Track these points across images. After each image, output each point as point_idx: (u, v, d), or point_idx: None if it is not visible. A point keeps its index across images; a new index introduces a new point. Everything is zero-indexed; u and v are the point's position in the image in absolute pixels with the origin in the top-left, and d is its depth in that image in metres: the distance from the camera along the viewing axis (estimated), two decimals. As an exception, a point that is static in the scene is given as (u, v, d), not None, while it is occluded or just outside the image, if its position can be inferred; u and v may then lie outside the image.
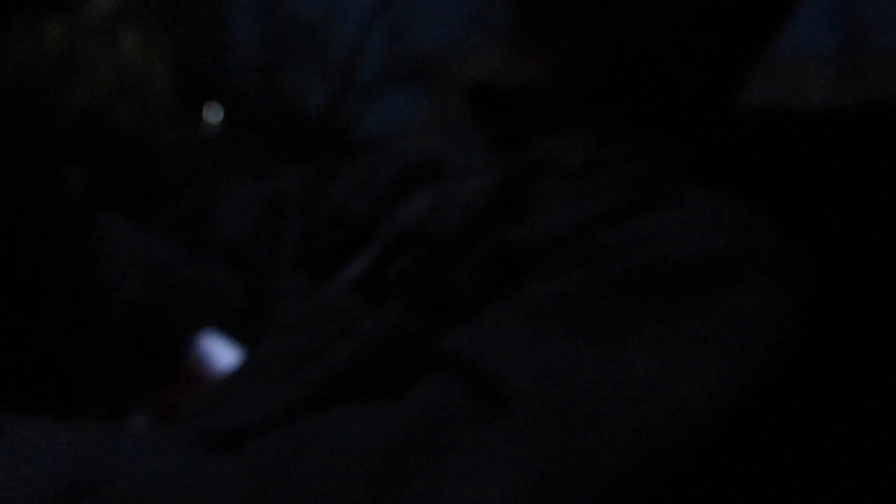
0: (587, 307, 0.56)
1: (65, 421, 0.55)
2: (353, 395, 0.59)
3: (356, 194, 0.84)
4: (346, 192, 0.85)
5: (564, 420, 0.49)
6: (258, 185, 0.89)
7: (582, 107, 0.74)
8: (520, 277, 0.61)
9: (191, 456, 0.50)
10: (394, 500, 0.47)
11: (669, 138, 0.71)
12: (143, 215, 0.87)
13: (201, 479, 0.48)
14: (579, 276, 0.58)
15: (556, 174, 0.70)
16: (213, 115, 7.65)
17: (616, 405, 0.50)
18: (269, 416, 0.59)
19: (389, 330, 0.66)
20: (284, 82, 9.44)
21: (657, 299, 0.55)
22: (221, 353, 0.77)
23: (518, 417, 0.49)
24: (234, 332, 0.78)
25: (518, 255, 0.63)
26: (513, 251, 0.64)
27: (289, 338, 0.69)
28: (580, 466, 0.48)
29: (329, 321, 0.69)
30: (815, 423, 0.55)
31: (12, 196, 0.79)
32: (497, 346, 0.55)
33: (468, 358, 0.54)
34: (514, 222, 0.67)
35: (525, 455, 0.48)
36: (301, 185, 0.89)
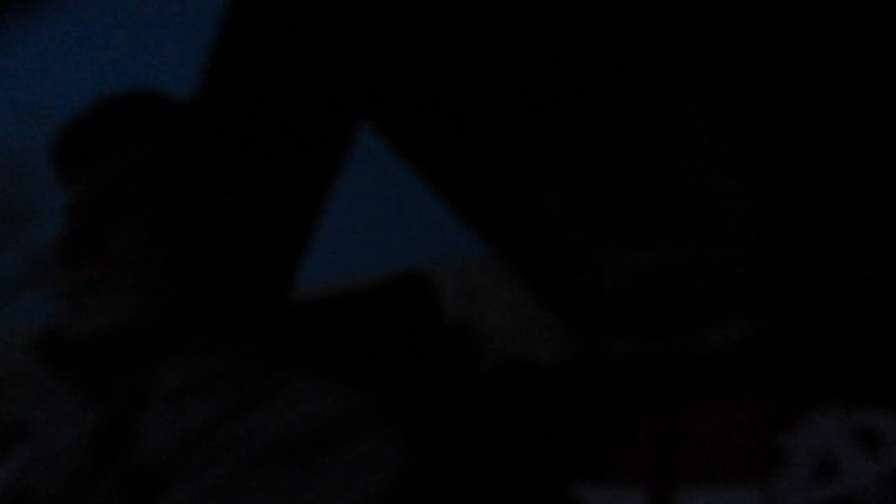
0: (225, 492, 0.66)
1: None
2: None
3: None
4: None
5: None
6: None
7: (163, 338, 0.80)
8: (156, 489, 0.68)
9: None
10: None
11: (256, 347, 0.82)
12: None
13: None
14: (213, 469, 0.67)
15: (157, 400, 0.77)
16: None
17: None
18: None
19: None
20: None
21: (281, 470, 0.67)
22: None
23: None
24: None
25: (149, 471, 0.70)
26: (143, 469, 0.70)
27: None
28: None
29: None
30: None
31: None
32: None
33: None
34: (130, 448, 0.73)
35: None
36: None
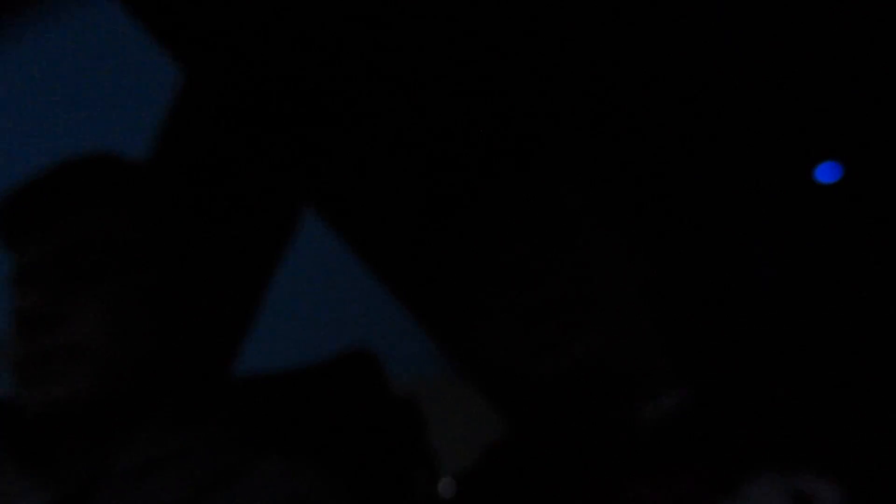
0: None
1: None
2: None
3: None
4: None
5: None
6: None
7: (122, 413, 0.77)
8: None
9: None
10: None
11: (212, 424, 0.81)
12: None
13: None
14: None
15: (115, 479, 0.74)
16: None
17: None
18: None
19: None
20: None
21: None
22: None
23: None
24: None
25: None
26: None
27: None
28: None
29: None
30: None
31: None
32: None
33: None
34: None
35: None
36: None
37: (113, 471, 0.76)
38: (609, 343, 0.69)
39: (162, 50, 1.06)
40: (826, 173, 1.38)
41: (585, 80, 1.04)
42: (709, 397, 0.69)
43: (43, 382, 0.75)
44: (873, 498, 0.56)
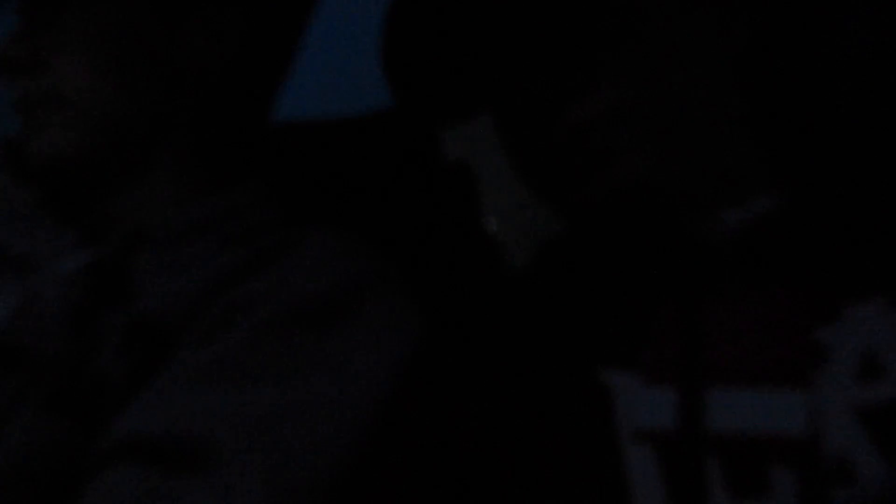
0: (246, 357, 0.62)
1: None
2: None
3: None
4: None
5: (264, 455, 0.58)
6: None
7: (135, 166, 0.72)
8: (169, 347, 0.65)
9: None
10: None
11: (255, 185, 0.75)
12: None
13: None
14: (229, 332, 0.64)
15: (150, 244, 0.71)
16: None
17: (299, 431, 0.60)
18: None
19: (29, 439, 0.64)
20: None
21: (304, 335, 0.64)
22: None
23: (227, 464, 0.57)
24: None
25: (158, 328, 0.67)
26: (151, 326, 0.67)
27: None
28: (289, 485, 0.57)
29: None
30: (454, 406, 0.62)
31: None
32: (178, 412, 0.59)
33: (149, 435, 0.58)
34: (129, 299, 0.68)
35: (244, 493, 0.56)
36: None
37: (153, 233, 0.72)
38: (685, 137, 0.56)
39: None
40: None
41: None
42: (810, 200, 0.59)
43: (40, 129, 0.68)
44: None
